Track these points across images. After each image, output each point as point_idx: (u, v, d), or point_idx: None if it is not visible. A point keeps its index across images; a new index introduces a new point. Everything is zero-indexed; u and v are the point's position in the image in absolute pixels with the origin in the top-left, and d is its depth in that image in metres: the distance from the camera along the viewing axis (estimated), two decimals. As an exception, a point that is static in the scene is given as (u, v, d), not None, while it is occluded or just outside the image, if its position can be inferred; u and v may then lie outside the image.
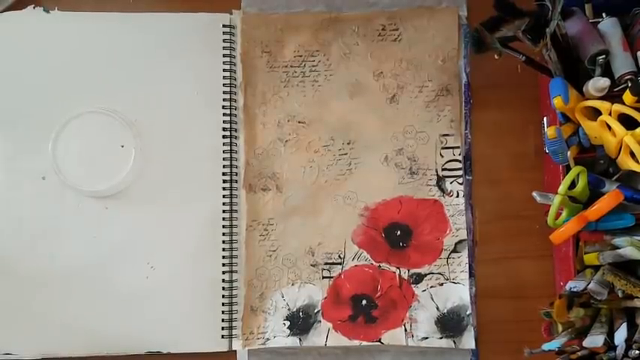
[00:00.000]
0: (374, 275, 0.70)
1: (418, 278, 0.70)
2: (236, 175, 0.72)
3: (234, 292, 0.70)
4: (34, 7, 0.72)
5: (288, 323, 0.70)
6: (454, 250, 0.71)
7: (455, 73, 0.73)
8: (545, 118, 0.69)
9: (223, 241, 0.70)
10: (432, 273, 0.70)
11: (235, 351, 0.69)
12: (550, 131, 0.58)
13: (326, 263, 0.71)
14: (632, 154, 0.56)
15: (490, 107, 0.73)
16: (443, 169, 0.72)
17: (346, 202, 0.71)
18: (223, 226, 0.71)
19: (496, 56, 0.63)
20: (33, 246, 0.69)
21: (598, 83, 0.58)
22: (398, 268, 0.70)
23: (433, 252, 0.71)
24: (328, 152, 0.72)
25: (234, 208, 0.71)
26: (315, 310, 0.70)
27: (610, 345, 0.57)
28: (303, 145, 0.72)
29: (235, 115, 0.73)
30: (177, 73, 0.72)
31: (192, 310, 0.69)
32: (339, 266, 0.71)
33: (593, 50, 0.59)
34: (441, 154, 0.72)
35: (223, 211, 0.71)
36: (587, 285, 0.57)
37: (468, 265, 0.70)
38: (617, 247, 0.58)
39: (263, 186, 0.72)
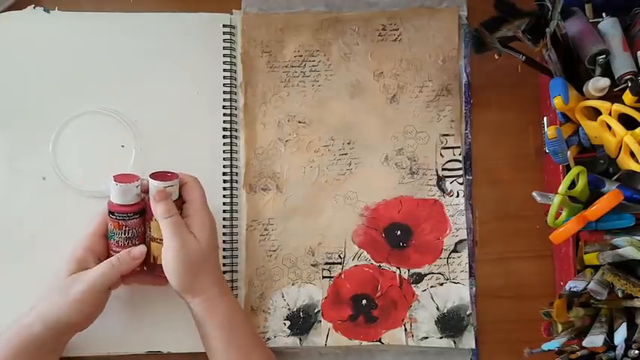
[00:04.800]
0: (374, 275, 0.70)
1: (418, 278, 0.70)
2: (236, 175, 0.72)
3: (235, 292, 0.70)
4: (34, 7, 0.72)
5: (288, 323, 0.70)
6: (454, 250, 0.71)
7: (455, 73, 0.73)
8: (545, 118, 0.69)
9: (224, 241, 0.70)
10: (432, 273, 0.70)
11: (235, 351, 0.69)
12: (550, 131, 0.58)
13: (326, 263, 0.71)
14: (632, 154, 0.56)
15: (490, 107, 0.73)
16: (443, 169, 0.72)
17: (346, 202, 0.71)
18: (223, 226, 0.71)
19: (496, 56, 0.63)
20: (33, 246, 0.69)
21: (598, 83, 0.58)
22: (398, 268, 0.70)
23: (433, 252, 0.71)
24: (328, 152, 0.72)
25: (235, 208, 0.71)
26: (316, 310, 0.70)
27: (610, 345, 0.57)
28: (304, 145, 0.72)
29: (235, 115, 0.73)
30: (178, 73, 0.72)
31: (192, 310, 0.69)
32: (340, 266, 0.71)
33: (593, 50, 0.60)
34: (441, 154, 0.72)
35: (223, 211, 0.71)
36: (587, 285, 0.57)
37: (468, 265, 0.70)
38: (617, 247, 0.58)
39: (263, 186, 0.72)
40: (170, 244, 0.61)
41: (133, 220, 0.63)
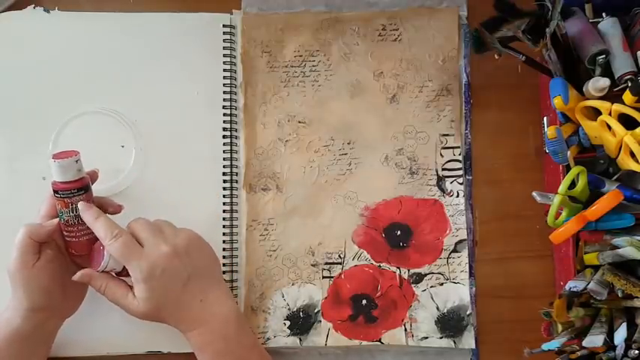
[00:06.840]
0: (374, 275, 0.70)
1: (418, 278, 0.70)
2: (236, 175, 0.72)
3: (235, 292, 0.70)
4: (34, 7, 0.72)
5: (288, 323, 0.70)
6: (454, 250, 0.71)
7: (455, 73, 0.73)
8: (545, 118, 0.69)
9: (223, 241, 0.70)
10: (432, 273, 0.70)
11: (235, 351, 0.69)
12: (550, 131, 0.58)
13: (326, 263, 0.71)
14: (632, 154, 0.56)
15: (490, 107, 0.73)
16: (443, 169, 0.72)
17: (346, 202, 0.71)
18: (223, 226, 0.71)
19: (496, 56, 0.63)
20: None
21: (598, 83, 0.58)
22: (398, 268, 0.70)
23: (433, 252, 0.71)
24: (328, 152, 0.72)
25: (235, 208, 0.71)
26: (316, 310, 0.70)
27: (610, 345, 0.57)
28: (304, 145, 0.72)
29: (235, 115, 0.73)
30: (178, 73, 0.72)
31: (192, 310, 0.69)
32: (340, 266, 0.71)
33: (593, 50, 0.60)
34: (441, 154, 0.72)
35: (223, 211, 0.71)
36: (587, 285, 0.57)
37: (468, 265, 0.70)
38: (617, 247, 0.58)
39: (263, 186, 0.72)
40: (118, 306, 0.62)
41: (78, 196, 0.61)
